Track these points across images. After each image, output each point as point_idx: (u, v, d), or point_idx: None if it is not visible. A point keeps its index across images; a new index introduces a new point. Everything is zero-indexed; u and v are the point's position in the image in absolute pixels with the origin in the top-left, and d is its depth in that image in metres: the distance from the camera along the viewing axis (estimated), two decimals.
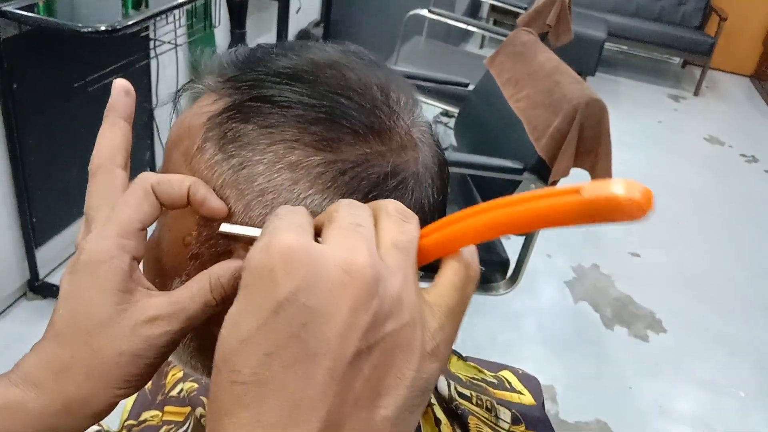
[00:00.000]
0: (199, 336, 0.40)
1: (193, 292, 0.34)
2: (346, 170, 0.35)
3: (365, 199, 0.35)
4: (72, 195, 2.06)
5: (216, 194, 0.36)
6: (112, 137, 0.38)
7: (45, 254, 2.02)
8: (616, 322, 2.41)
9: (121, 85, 0.39)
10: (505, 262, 1.70)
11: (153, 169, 2.47)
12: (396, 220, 0.29)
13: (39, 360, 0.33)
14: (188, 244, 0.38)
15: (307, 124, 0.35)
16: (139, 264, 0.35)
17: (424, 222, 0.37)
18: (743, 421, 2.09)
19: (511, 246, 1.76)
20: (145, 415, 0.66)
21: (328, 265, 0.25)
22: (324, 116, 0.35)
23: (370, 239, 0.27)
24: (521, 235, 1.69)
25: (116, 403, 0.34)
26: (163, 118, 2.48)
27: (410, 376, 0.26)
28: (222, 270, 0.35)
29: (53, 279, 2.04)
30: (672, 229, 3.13)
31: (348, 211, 0.29)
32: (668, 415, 2.06)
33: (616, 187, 0.24)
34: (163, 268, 0.40)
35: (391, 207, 0.30)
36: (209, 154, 0.37)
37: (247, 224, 0.35)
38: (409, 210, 0.30)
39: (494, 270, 1.69)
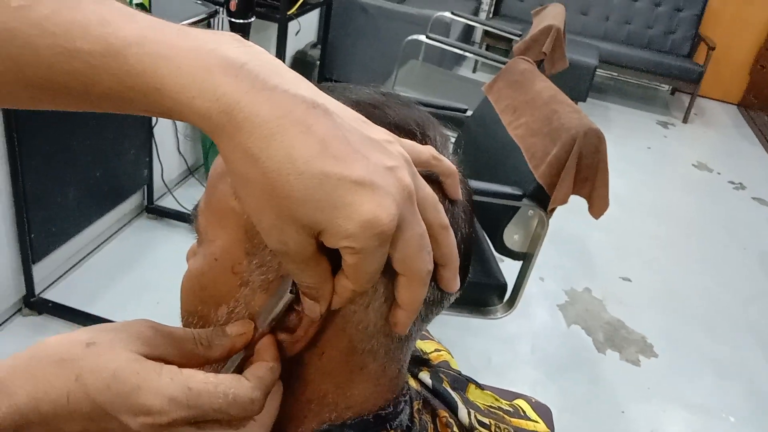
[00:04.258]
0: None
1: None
2: None
3: None
4: (71, 211, 2.06)
5: None
6: None
7: (42, 270, 2.02)
8: (608, 346, 2.43)
9: None
10: (503, 286, 1.72)
11: (150, 186, 2.47)
12: None
13: None
14: (237, 273, 0.40)
15: None
16: None
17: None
18: None
19: (508, 270, 1.78)
20: None
21: None
22: None
23: None
24: (519, 259, 1.71)
25: None
26: (162, 136, 2.49)
27: None
28: None
29: (49, 295, 2.03)
30: (662, 254, 3.17)
31: None
32: None
33: None
34: (208, 296, 0.41)
35: None
36: None
37: None
38: None
39: (492, 294, 1.71)
